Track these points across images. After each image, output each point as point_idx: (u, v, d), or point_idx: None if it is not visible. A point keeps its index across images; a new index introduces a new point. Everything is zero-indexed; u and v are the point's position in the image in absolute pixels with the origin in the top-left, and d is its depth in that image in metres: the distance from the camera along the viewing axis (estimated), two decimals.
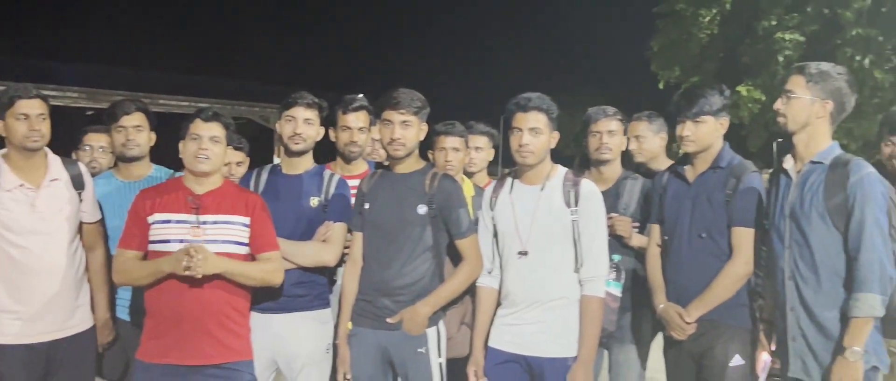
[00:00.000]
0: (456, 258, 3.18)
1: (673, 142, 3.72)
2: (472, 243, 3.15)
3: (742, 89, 14.04)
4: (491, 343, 3.14)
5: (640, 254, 3.51)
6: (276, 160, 3.73)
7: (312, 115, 3.29)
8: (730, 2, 14.88)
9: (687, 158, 3.32)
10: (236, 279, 2.95)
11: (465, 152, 3.72)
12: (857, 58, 12.10)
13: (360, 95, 3.52)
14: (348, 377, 3.18)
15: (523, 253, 3.05)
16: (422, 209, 3.10)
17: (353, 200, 3.30)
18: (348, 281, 3.24)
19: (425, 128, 3.22)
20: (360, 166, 3.57)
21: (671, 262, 3.27)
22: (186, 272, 2.80)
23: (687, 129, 3.20)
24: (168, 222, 2.95)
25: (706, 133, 3.20)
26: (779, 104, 2.96)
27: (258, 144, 4.70)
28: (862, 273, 2.68)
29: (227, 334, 2.97)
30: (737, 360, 3.10)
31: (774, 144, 3.07)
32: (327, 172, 3.35)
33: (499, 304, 3.17)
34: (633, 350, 3.63)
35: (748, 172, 3.15)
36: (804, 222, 2.84)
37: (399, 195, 3.13)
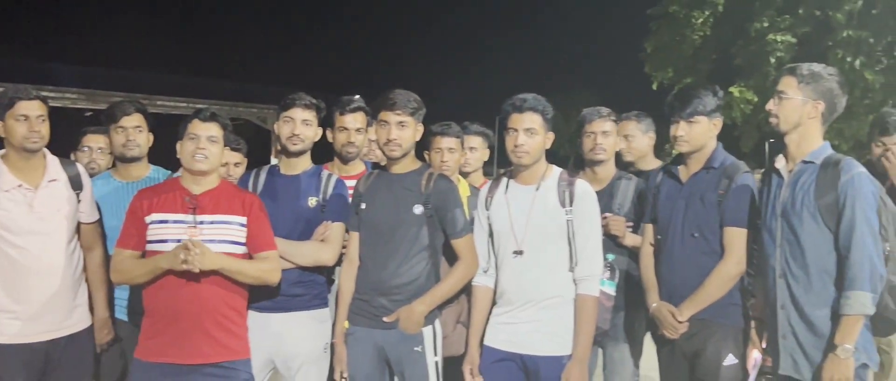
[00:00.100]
0: (452, 258, 3.18)
1: (666, 142, 3.72)
2: (468, 243, 3.15)
3: (734, 90, 14.09)
4: (486, 342, 3.14)
5: (633, 253, 3.51)
6: (274, 161, 3.73)
7: (310, 116, 3.29)
8: (722, 4, 14.92)
9: (680, 158, 3.33)
10: (233, 277, 2.95)
11: (461, 153, 3.72)
12: (848, 59, 12.14)
13: (357, 97, 3.52)
14: (345, 375, 3.18)
15: (518, 252, 3.06)
16: (418, 209, 3.10)
17: (349, 200, 3.30)
18: (345, 280, 3.24)
19: (421, 128, 3.22)
20: (357, 167, 3.57)
21: (664, 261, 3.27)
22: (184, 267, 2.80)
23: (681, 129, 3.20)
24: (165, 221, 2.94)
25: (700, 133, 3.20)
26: (771, 105, 2.96)
27: (255, 144, 4.68)
28: (853, 272, 2.69)
29: (225, 333, 2.97)
30: (730, 359, 3.11)
31: (766, 145, 3.09)
32: (325, 173, 3.35)
33: (494, 303, 3.18)
34: (627, 348, 3.64)
35: (741, 173, 3.15)
36: (795, 221, 2.84)
37: (395, 195, 3.13)
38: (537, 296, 3.04)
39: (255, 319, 3.12)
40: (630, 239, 3.52)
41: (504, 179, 3.20)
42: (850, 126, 11.48)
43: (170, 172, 3.54)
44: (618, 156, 3.80)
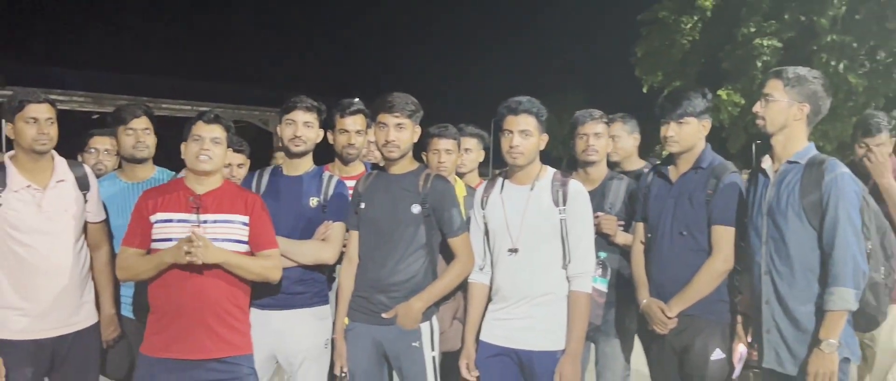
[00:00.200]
0: (448, 256, 3.18)
1: (657, 143, 3.73)
2: (464, 241, 3.15)
3: (722, 93, 14.11)
4: (482, 337, 3.14)
5: (625, 251, 3.52)
6: (276, 162, 3.73)
7: (311, 118, 3.29)
8: (710, 10, 14.94)
9: (670, 159, 3.33)
10: (235, 272, 2.95)
11: (458, 154, 3.72)
12: (832, 63, 12.17)
13: (357, 99, 3.51)
14: (345, 370, 3.18)
15: (513, 250, 3.06)
16: (415, 209, 3.10)
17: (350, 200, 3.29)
18: (345, 278, 3.23)
19: (419, 130, 3.22)
20: (357, 167, 3.57)
21: (654, 258, 3.28)
22: (188, 259, 2.80)
23: (671, 130, 3.21)
24: (170, 220, 2.94)
25: (689, 134, 3.21)
26: (758, 107, 2.97)
27: (257, 146, 4.68)
28: (836, 268, 2.70)
29: (227, 328, 2.97)
30: (717, 354, 3.12)
31: (753, 146, 3.09)
32: (326, 174, 3.35)
33: (490, 299, 3.18)
34: (619, 344, 3.64)
35: (728, 173, 3.16)
36: (780, 219, 2.85)
37: (394, 195, 3.13)
38: (532, 293, 3.04)
39: (257, 316, 3.11)
40: (621, 237, 3.53)
41: (499, 180, 3.21)
42: (834, 128, 11.50)
43: (174, 173, 3.54)
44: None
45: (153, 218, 2.95)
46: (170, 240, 2.90)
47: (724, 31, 14.33)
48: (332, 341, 3.26)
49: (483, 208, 3.18)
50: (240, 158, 3.78)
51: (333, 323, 3.27)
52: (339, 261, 3.29)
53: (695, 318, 3.13)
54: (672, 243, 3.19)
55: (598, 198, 3.52)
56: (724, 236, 3.09)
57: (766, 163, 2.98)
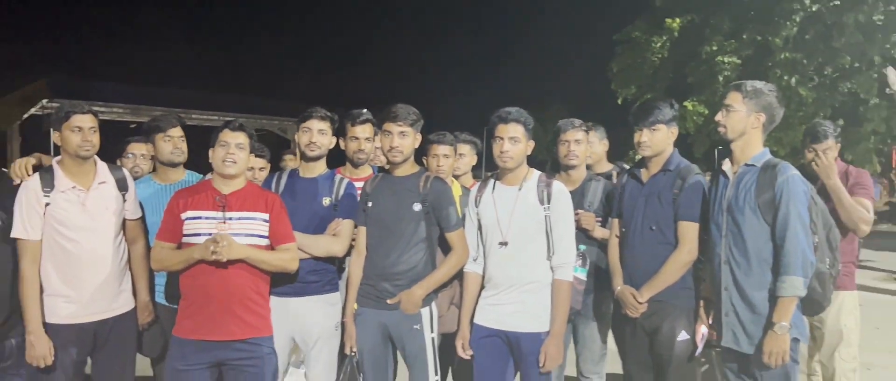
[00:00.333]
0: (446, 249, 3.18)
1: (630, 149, 3.73)
2: (460, 236, 3.15)
3: (688, 104, 14.09)
4: (476, 321, 3.14)
5: (602, 244, 3.52)
6: (292, 164, 3.72)
7: (325, 126, 3.28)
8: (678, 30, 14.94)
9: (642, 162, 3.34)
10: (257, 265, 2.94)
11: (454, 158, 3.72)
12: (785, 77, 12.16)
13: (365, 110, 3.51)
14: (354, 349, 3.18)
15: (504, 244, 3.06)
16: (417, 207, 3.10)
17: (359, 199, 3.29)
18: (354, 268, 3.23)
19: (420, 137, 3.22)
20: (366, 170, 3.56)
21: (627, 250, 3.28)
22: (213, 257, 2.80)
23: (644, 135, 3.21)
24: (198, 218, 2.94)
25: (660, 139, 3.21)
26: (720, 116, 2.97)
27: (277, 152, 4.67)
28: (787, 259, 2.70)
29: (250, 313, 2.96)
30: (683, 335, 3.12)
31: (715, 151, 3.10)
32: (338, 177, 3.35)
33: (482, 287, 3.18)
34: (596, 326, 3.64)
35: (693, 174, 3.16)
36: (738, 215, 2.86)
37: (397, 195, 3.13)
38: (519, 281, 3.04)
39: (276, 303, 3.11)
40: (599, 232, 3.53)
41: (491, 181, 3.21)
42: (787, 135, 11.49)
43: (202, 175, 3.53)
44: None
45: (184, 215, 2.94)
46: (198, 235, 2.90)
47: (689, 49, 14.33)
48: (343, 324, 3.25)
49: (477, 206, 3.18)
50: (261, 163, 3.78)
51: (343, 308, 3.27)
52: (349, 253, 3.28)
53: (663, 303, 3.13)
54: (643, 236, 3.19)
55: (578, 197, 3.53)
56: (688, 231, 3.09)
57: (726, 165, 2.98)
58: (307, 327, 3.20)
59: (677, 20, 14.86)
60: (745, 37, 13.22)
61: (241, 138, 2.98)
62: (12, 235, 2.95)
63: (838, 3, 11.41)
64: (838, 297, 3.55)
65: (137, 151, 3.86)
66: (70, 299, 2.99)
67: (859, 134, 13.16)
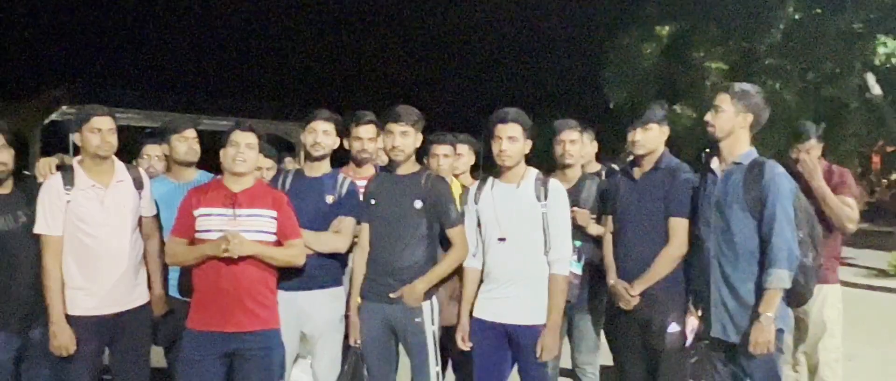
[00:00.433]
0: (446, 245, 3.17)
1: (622, 150, 3.73)
2: (460, 232, 3.14)
3: (678, 108, 14.11)
4: (475, 314, 3.13)
5: (596, 240, 3.50)
6: (291, 166, 3.73)
7: (329, 127, 3.28)
8: (667, 37, 14.96)
9: (635, 161, 3.33)
10: (265, 261, 2.94)
11: (454, 157, 3.71)
12: (770, 83, 12.16)
13: (369, 112, 3.51)
14: (358, 341, 3.17)
15: (502, 239, 3.05)
16: (418, 204, 3.09)
17: (361, 198, 3.28)
18: (358, 264, 3.22)
19: (421, 138, 3.21)
20: (369, 169, 3.56)
21: (621, 246, 3.27)
22: (225, 254, 2.81)
23: (637, 135, 3.21)
24: (210, 215, 2.94)
25: (652, 138, 3.21)
26: (709, 117, 2.97)
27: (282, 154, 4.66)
28: (773, 253, 2.70)
29: (259, 306, 2.96)
30: (673, 327, 3.11)
31: (703, 153, 3.10)
32: (340, 176, 3.33)
33: (482, 281, 3.17)
34: (591, 318, 3.64)
35: (683, 172, 3.16)
36: (727, 211, 2.85)
37: (399, 193, 3.12)
38: (517, 275, 3.03)
39: (283, 296, 3.10)
40: (593, 228, 3.52)
41: (490, 179, 3.20)
42: (772, 137, 11.48)
43: (213, 176, 3.53)
44: None
45: (196, 212, 2.94)
46: (210, 231, 2.90)
47: (678, 55, 14.34)
48: (347, 317, 3.24)
49: (476, 204, 3.17)
50: (269, 163, 3.77)
51: (347, 302, 3.26)
52: (351, 249, 3.27)
53: (654, 296, 3.12)
54: (636, 232, 3.19)
55: (573, 195, 3.51)
56: (679, 226, 3.09)
57: (715, 164, 2.98)
58: (313, 320, 3.19)
59: (667, 28, 14.88)
60: (731, 44, 13.24)
61: (250, 139, 2.98)
62: (35, 231, 2.98)
63: (820, 11, 11.42)
64: (822, 290, 3.55)
65: (152, 152, 3.86)
66: (90, 292, 3.01)
67: (841, 137, 13.16)
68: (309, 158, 3.30)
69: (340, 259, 3.30)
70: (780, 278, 2.69)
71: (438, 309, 3.16)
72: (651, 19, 15.08)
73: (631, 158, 3.39)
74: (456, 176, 3.80)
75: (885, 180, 25.50)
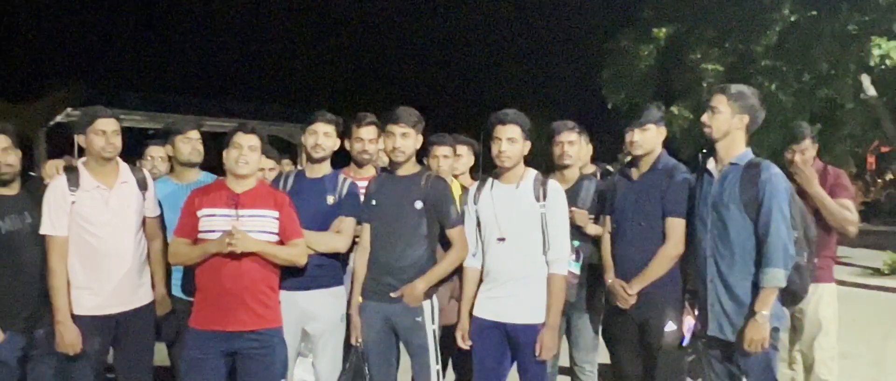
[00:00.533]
0: (446, 245, 3.17)
1: (620, 151, 3.72)
2: (460, 233, 3.14)
3: (675, 109, 14.11)
4: (475, 313, 3.13)
5: (595, 240, 3.50)
6: (287, 168, 3.73)
7: (330, 129, 3.28)
8: (664, 40, 14.96)
9: (633, 162, 3.33)
10: (268, 258, 2.94)
11: (453, 158, 3.71)
12: (766, 84, 12.16)
13: (370, 114, 3.51)
14: (360, 340, 3.17)
15: (501, 239, 3.05)
16: (418, 205, 3.09)
17: (361, 198, 3.28)
18: (359, 263, 3.22)
19: (421, 139, 3.21)
20: (370, 170, 3.55)
21: (619, 246, 3.27)
22: (229, 249, 2.81)
23: (635, 135, 3.21)
24: (213, 215, 2.94)
25: (650, 139, 3.21)
26: (705, 117, 2.97)
27: (284, 155, 4.66)
28: (769, 252, 2.70)
29: (261, 305, 2.96)
30: (670, 326, 3.11)
31: (700, 154, 3.10)
32: (341, 177, 3.33)
33: (481, 281, 3.16)
34: (589, 317, 3.63)
35: (680, 173, 3.16)
36: (723, 211, 2.85)
37: (400, 193, 3.12)
38: (517, 275, 3.03)
39: (285, 296, 3.10)
40: (592, 229, 3.51)
41: (489, 180, 3.19)
42: (768, 138, 11.50)
43: (217, 177, 3.53)
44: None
45: (200, 213, 2.95)
46: (213, 231, 2.90)
47: (675, 57, 14.34)
48: (348, 316, 3.24)
49: (475, 204, 3.17)
50: (271, 164, 3.77)
51: (348, 301, 3.26)
52: (352, 249, 3.27)
53: (651, 295, 3.12)
54: (634, 232, 3.19)
55: (572, 195, 3.50)
56: (676, 226, 3.08)
57: (711, 164, 2.98)
58: (315, 319, 3.19)
59: (664, 30, 14.88)
60: (727, 45, 13.24)
61: (253, 141, 2.98)
62: (40, 231, 2.98)
63: (816, 13, 11.42)
64: (818, 289, 3.55)
65: (155, 153, 3.86)
66: (94, 291, 3.01)
67: (836, 137, 13.16)
68: (310, 159, 3.30)
69: (341, 259, 3.30)
70: (776, 277, 2.69)
71: (439, 308, 3.16)
72: (648, 22, 15.09)
73: (629, 158, 3.39)
74: (455, 177, 3.80)
75: (880, 180, 25.53)
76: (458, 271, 3.21)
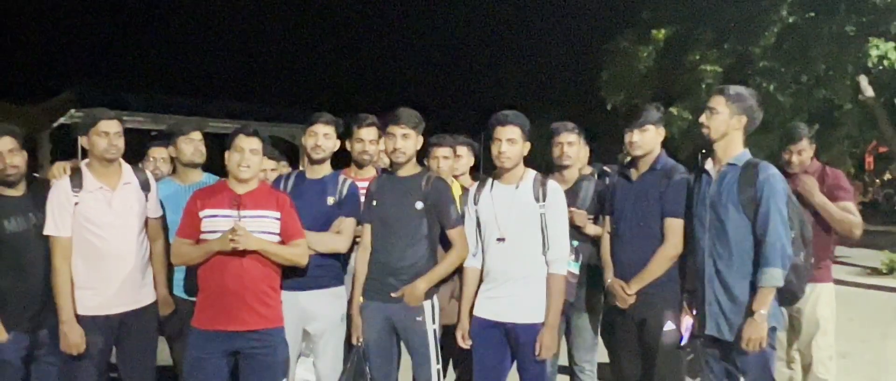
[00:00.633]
0: (447, 245, 3.17)
1: (620, 152, 3.72)
2: (460, 233, 3.14)
3: (674, 110, 14.12)
4: (475, 313, 3.12)
5: (594, 241, 3.50)
6: (286, 169, 3.73)
7: (330, 130, 3.28)
8: (663, 41, 14.96)
9: (632, 163, 3.33)
10: (270, 257, 2.94)
11: (454, 159, 3.71)
12: (764, 85, 12.15)
13: (370, 114, 3.51)
14: (360, 340, 3.17)
15: (501, 239, 3.04)
16: (419, 205, 3.09)
17: (361, 199, 3.28)
18: (360, 264, 3.22)
19: (421, 140, 3.21)
20: (370, 171, 3.55)
21: (618, 246, 3.27)
22: (232, 246, 2.81)
23: (634, 136, 3.21)
24: (216, 216, 2.94)
25: (649, 139, 3.20)
26: (703, 118, 2.97)
27: (286, 156, 4.67)
28: (768, 251, 2.70)
29: (263, 305, 2.96)
30: (669, 325, 3.11)
31: (700, 155, 3.10)
32: (341, 177, 3.33)
33: (481, 281, 3.16)
34: (588, 317, 3.63)
35: (678, 173, 3.16)
36: (722, 211, 2.85)
37: (401, 194, 3.12)
38: (516, 275, 3.03)
39: (287, 296, 3.10)
40: (591, 229, 3.52)
41: (489, 180, 3.19)
42: (766, 138, 11.50)
43: (218, 177, 3.53)
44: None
45: (202, 214, 2.95)
46: (215, 232, 2.90)
47: (674, 58, 14.33)
48: (349, 316, 3.24)
49: (475, 204, 3.16)
50: (272, 164, 3.78)
51: (349, 301, 3.26)
52: (352, 249, 3.27)
53: (650, 295, 3.12)
54: (633, 232, 3.18)
55: (571, 196, 3.51)
56: (674, 227, 3.08)
57: (709, 165, 2.98)
58: (316, 319, 3.19)
59: (663, 31, 14.87)
60: (726, 47, 13.22)
61: (254, 144, 2.98)
62: (44, 232, 2.99)
63: (814, 15, 11.41)
64: (815, 289, 3.55)
65: (158, 154, 3.86)
66: (97, 291, 3.01)
67: (834, 138, 13.14)
68: (310, 160, 3.30)
69: (342, 259, 3.30)
70: (774, 277, 2.69)
71: (439, 308, 3.16)
72: (647, 23, 15.08)
73: (628, 159, 3.39)
74: (456, 177, 3.80)
75: (878, 180, 25.52)
76: (459, 271, 3.21)
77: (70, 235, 2.97)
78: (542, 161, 3.77)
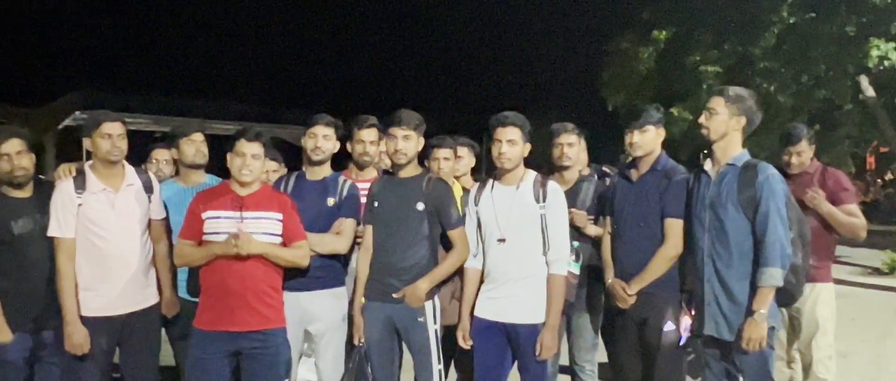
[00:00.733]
0: (448, 245, 3.17)
1: (621, 152, 3.72)
2: (461, 234, 3.14)
3: (674, 110, 14.10)
4: (476, 313, 3.12)
5: (595, 241, 3.50)
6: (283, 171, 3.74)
7: (329, 132, 3.28)
8: (664, 41, 14.95)
9: (632, 163, 3.33)
10: (272, 260, 2.95)
11: (455, 160, 3.71)
12: (765, 85, 12.14)
13: (371, 116, 3.51)
14: (362, 340, 3.17)
15: (502, 240, 3.04)
16: (420, 206, 3.09)
17: (362, 200, 3.28)
18: (361, 264, 3.22)
19: (422, 141, 3.21)
20: (371, 172, 3.55)
21: (618, 246, 3.27)
22: (234, 251, 2.82)
23: (635, 137, 3.20)
24: (218, 218, 2.94)
25: (649, 140, 3.20)
26: (703, 119, 2.97)
27: (287, 156, 4.67)
28: (767, 252, 2.70)
29: (265, 306, 2.97)
30: (669, 325, 3.10)
31: (701, 155, 3.09)
32: (342, 179, 3.33)
33: (482, 281, 3.16)
34: (588, 317, 3.63)
35: (678, 174, 3.15)
36: (721, 211, 2.85)
37: (402, 195, 3.12)
38: (517, 275, 3.03)
39: (288, 297, 3.10)
40: (591, 230, 3.52)
41: (490, 181, 3.19)
42: (766, 139, 11.50)
43: (221, 179, 3.54)
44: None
45: (204, 215, 2.95)
46: (218, 233, 2.91)
47: (674, 59, 14.32)
48: (351, 316, 3.24)
49: (476, 205, 3.16)
50: (274, 166, 3.78)
51: (350, 301, 3.26)
52: (353, 249, 3.27)
53: (650, 295, 3.11)
54: (633, 232, 3.18)
55: (571, 197, 3.51)
56: (674, 227, 3.07)
57: (708, 165, 2.98)
58: (317, 319, 3.19)
59: (663, 32, 14.87)
60: (726, 47, 13.22)
61: (255, 149, 2.98)
62: (48, 233, 2.99)
63: (814, 15, 11.39)
64: (815, 289, 3.54)
65: (161, 156, 3.87)
66: (100, 292, 3.02)
67: (834, 138, 13.11)
68: (310, 162, 3.30)
69: (342, 260, 3.30)
70: (774, 276, 2.69)
71: (440, 309, 3.16)
72: (647, 24, 15.08)
73: (628, 160, 3.39)
74: (456, 178, 3.80)
75: (879, 180, 25.47)
76: (460, 271, 3.21)
77: (74, 236, 2.98)
78: (543, 162, 3.76)
